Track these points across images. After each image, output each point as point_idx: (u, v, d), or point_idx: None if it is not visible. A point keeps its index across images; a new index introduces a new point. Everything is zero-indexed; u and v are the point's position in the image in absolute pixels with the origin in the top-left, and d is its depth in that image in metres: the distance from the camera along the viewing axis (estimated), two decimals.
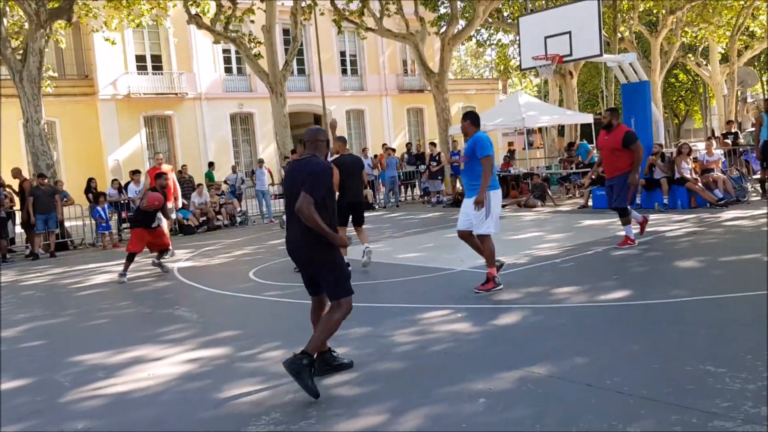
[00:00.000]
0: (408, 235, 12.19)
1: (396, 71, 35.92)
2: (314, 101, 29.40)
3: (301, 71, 32.80)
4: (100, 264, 11.58)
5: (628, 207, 8.62)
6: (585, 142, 18.99)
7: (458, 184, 18.30)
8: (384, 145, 22.00)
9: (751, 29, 29.57)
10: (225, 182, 18.24)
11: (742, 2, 25.02)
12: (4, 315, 7.66)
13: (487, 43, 32.22)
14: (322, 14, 22.60)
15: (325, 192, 4.28)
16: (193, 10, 19.75)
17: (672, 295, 6.03)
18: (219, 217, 16.67)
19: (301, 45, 31.64)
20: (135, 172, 15.80)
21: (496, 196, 6.70)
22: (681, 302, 5.76)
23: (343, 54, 34.26)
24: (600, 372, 4.16)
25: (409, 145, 22.97)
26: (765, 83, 45.60)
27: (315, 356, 4.25)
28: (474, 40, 30.41)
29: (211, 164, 20.14)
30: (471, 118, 6.84)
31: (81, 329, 6.77)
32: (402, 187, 20.76)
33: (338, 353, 4.74)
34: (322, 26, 25.09)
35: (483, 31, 29.87)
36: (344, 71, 34.43)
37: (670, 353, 4.44)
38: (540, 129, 25.13)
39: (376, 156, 20.67)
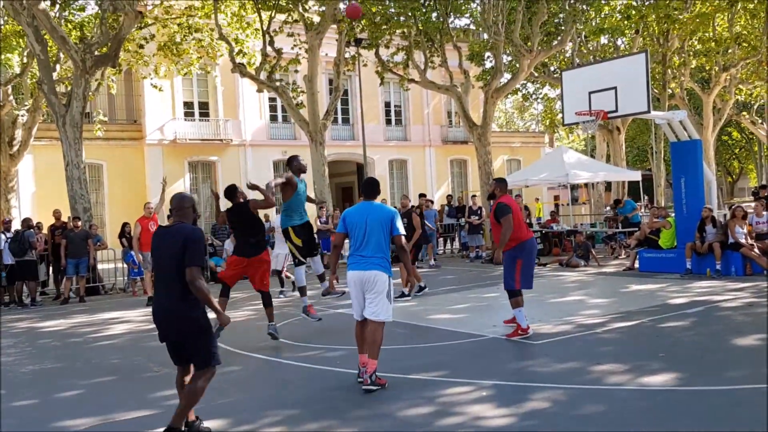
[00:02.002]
0: (441, 293, 11.63)
1: (440, 122, 35.80)
2: (357, 150, 29.31)
3: (346, 120, 32.96)
4: (124, 311, 11.33)
5: (517, 288, 7.33)
6: (631, 199, 18.20)
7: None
8: (422, 195, 21.63)
9: None
10: None
11: None
12: (12, 366, 7.39)
13: (533, 96, 31.87)
14: (365, 65, 22.68)
15: (202, 258, 4.75)
16: (239, 60, 20.01)
17: (726, 379, 5.35)
18: None
19: (346, 94, 31.94)
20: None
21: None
22: (736, 390, 5.08)
23: (387, 104, 34.37)
24: None
25: (450, 197, 22.52)
26: None
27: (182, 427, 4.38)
28: (520, 93, 30.09)
29: None
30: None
31: (81, 387, 6.40)
32: (441, 240, 20.24)
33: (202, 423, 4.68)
34: (368, 76, 25.19)
35: (529, 84, 29.55)
36: (388, 121, 34.47)
37: None
38: (586, 184, 24.41)
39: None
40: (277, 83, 19.95)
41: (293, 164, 8.27)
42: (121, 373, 6.91)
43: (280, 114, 30.96)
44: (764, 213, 12.19)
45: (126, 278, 14.86)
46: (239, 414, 5.14)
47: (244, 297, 12.57)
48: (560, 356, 6.43)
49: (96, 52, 15.63)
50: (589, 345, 6.91)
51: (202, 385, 4.42)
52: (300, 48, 19.99)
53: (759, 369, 5.62)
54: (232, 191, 8.11)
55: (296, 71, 22.04)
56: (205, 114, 29.31)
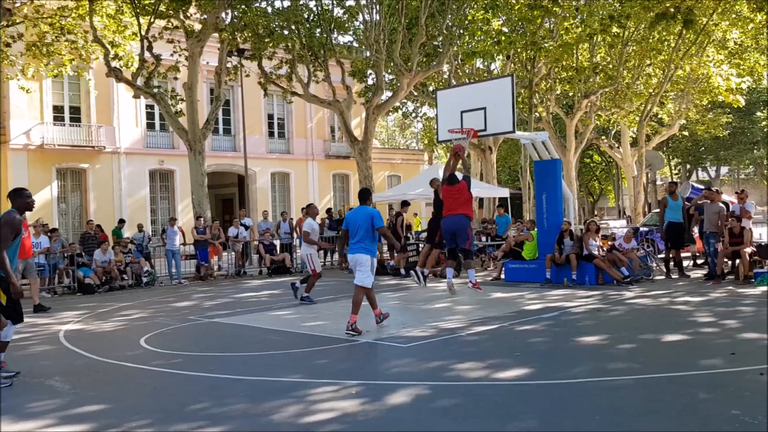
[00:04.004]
0: (318, 302, 11.83)
1: (324, 137, 36.14)
2: (238, 161, 28.97)
3: (227, 131, 32.53)
4: None
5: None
6: (507, 214, 19.23)
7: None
8: (303, 209, 21.77)
9: (659, 116, 31.45)
10: (131, 241, 17.47)
11: (651, 90, 26.61)
12: None
13: (413, 115, 32.94)
14: (247, 76, 22.60)
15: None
16: (114, 64, 19.34)
17: (571, 375, 5.92)
18: (124, 276, 15.85)
19: (228, 105, 31.55)
20: (36, 225, 15.09)
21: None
22: (579, 383, 5.64)
23: (270, 116, 34.27)
24: None
25: (329, 210, 22.80)
26: (672, 167, 48.47)
27: None
28: (400, 111, 31.03)
29: (121, 221, 19.31)
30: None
31: None
32: (322, 252, 20.44)
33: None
34: (250, 88, 25.07)
35: (409, 103, 30.55)
36: (271, 134, 34.36)
37: None
38: None
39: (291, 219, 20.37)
40: (155, 90, 19.46)
41: (17, 201, 6.44)
42: None
43: (157, 122, 30.07)
44: (633, 240, 13.46)
45: None
46: (106, 419, 5.08)
47: (114, 308, 12.19)
48: (425, 357, 6.82)
49: None
50: (452, 346, 7.36)
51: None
52: (180, 55, 19.63)
53: (599, 364, 6.26)
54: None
55: (176, 78, 21.60)
56: (76, 119, 27.92)
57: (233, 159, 30.96)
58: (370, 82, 25.71)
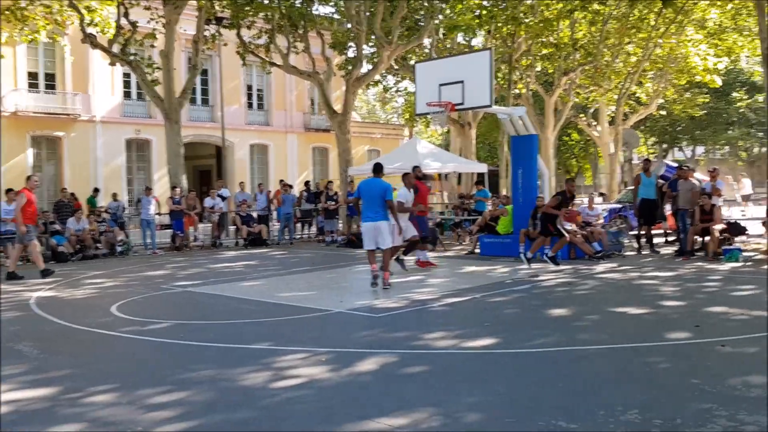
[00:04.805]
0: (293, 273, 11.86)
1: (303, 109, 35.86)
2: (216, 132, 28.72)
3: (205, 101, 32.14)
4: None
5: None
6: (485, 189, 19.20)
7: (353, 225, 18.21)
8: (281, 181, 21.70)
9: (637, 95, 31.61)
10: (107, 210, 17.30)
11: (629, 69, 26.71)
12: None
13: (394, 89, 32.76)
14: (225, 45, 22.28)
15: None
16: (90, 30, 18.94)
17: (538, 344, 6.01)
18: (98, 245, 15.71)
19: (206, 75, 31.13)
20: (8, 191, 14.80)
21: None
22: (545, 352, 5.74)
23: (250, 87, 33.89)
24: (450, 424, 4.00)
25: (308, 183, 22.72)
26: (648, 146, 48.88)
27: None
28: (381, 85, 30.83)
29: (96, 190, 19.10)
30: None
31: None
32: (299, 224, 20.45)
33: None
34: (229, 57, 24.74)
35: (390, 77, 30.35)
36: (250, 105, 34.01)
37: (527, 405, 4.34)
38: (440, 175, 25.54)
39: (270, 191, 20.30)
40: (131, 57, 19.12)
41: None
42: None
43: (134, 90, 29.59)
44: (594, 206, 13.71)
45: None
46: (72, 383, 5.07)
47: (87, 276, 12.11)
48: (396, 327, 6.89)
49: None
50: (423, 317, 7.44)
51: None
52: (157, 22, 19.28)
53: (566, 335, 6.37)
54: None
55: (152, 46, 21.20)
56: (51, 86, 27.40)
57: (211, 130, 30.62)
58: (350, 54, 25.49)
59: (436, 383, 4.90)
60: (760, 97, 40.24)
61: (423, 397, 4.52)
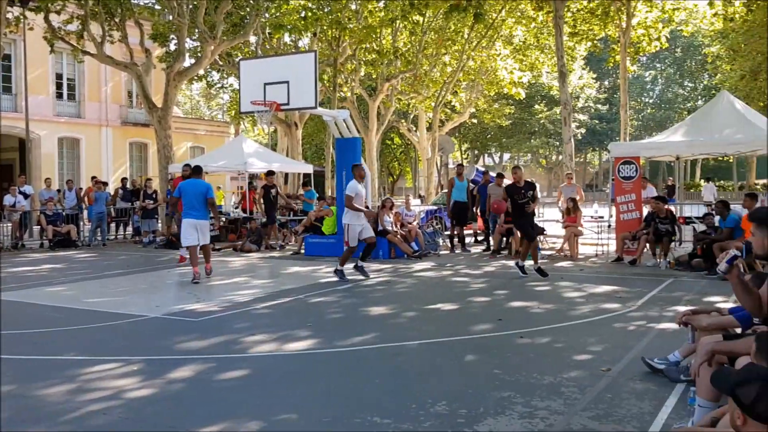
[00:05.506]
0: (106, 276, 11.15)
1: (120, 101, 33.73)
2: (20, 123, 26.13)
3: (7, 89, 29.10)
4: None
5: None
6: (312, 190, 19.29)
7: (173, 225, 17.47)
8: (93, 177, 20.28)
9: (452, 103, 33.56)
10: None
11: (446, 78, 28.30)
12: None
13: (218, 85, 31.92)
14: (31, 29, 20.41)
15: None
16: None
17: (357, 342, 6.21)
18: None
19: (9, 60, 28.25)
20: None
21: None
22: (364, 350, 5.95)
23: (59, 76, 31.19)
24: (267, 427, 4.02)
25: (124, 179, 21.42)
26: (462, 152, 52.17)
27: None
28: (205, 80, 29.91)
29: None
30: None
31: None
32: (114, 225, 19.23)
33: None
34: (35, 43, 22.62)
35: (214, 73, 29.55)
36: (60, 95, 31.33)
37: (344, 404, 4.47)
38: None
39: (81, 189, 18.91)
40: None
41: None
42: None
43: None
44: (413, 208, 14.38)
45: None
46: None
47: None
48: (215, 331, 6.75)
49: None
50: (244, 320, 7.36)
51: None
52: None
53: (384, 332, 6.63)
54: None
55: None
56: None
57: (14, 120, 27.69)
58: (172, 47, 24.43)
59: (255, 387, 4.89)
60: (557, 110, 44.57)
61: (240, 402, 4.50)
